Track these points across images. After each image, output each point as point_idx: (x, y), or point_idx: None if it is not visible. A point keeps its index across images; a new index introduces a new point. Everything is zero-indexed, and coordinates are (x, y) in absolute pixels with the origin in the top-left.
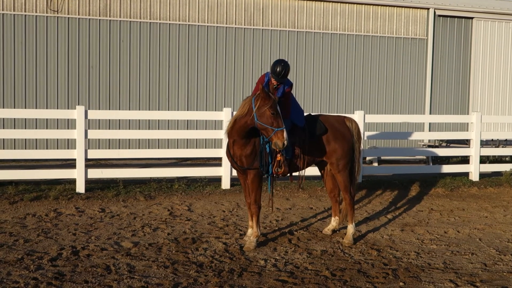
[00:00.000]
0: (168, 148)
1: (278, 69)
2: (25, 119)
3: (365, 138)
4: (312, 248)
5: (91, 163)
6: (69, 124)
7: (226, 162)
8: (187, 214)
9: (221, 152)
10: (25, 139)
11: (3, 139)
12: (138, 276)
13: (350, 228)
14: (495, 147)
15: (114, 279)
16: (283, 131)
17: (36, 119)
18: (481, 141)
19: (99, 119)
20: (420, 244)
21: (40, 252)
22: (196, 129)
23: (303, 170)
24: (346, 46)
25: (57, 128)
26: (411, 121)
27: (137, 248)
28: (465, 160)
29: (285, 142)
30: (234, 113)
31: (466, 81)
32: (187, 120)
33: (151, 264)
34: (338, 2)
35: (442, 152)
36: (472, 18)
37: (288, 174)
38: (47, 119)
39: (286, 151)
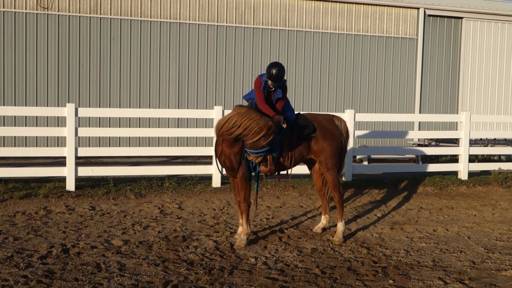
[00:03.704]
0: (158, 146)
1: (274, 72)
2: (15, 116)
3: (355, 137)
4: (302, 246)
5: (81, 161)
6: (59, 121)
7: None
8: (178, 212)
9: (212, 150)
10: (15, 137)
11: None
12: (128, 274)
13: (340, 226)
14: (484, 146)
15: (105, 277)
16: (261, 157)
17: (25, 116)
18: (470, 140)
19: (89, 117)
20: (410, 242)
21: (30, 250)
22: (187, 127)
23: (291, 169)
24: (337, 45)
25: (47, 126)
26: (401, 120)
27: (128, 246)
28: (454, 159)
29: (256, 163)
30: (225, 111)
31: (455, 81)
32: (178, 118)
33: (142, 262)
34: (329, 1)
35: (431, 151)
36: (461, 18)
37: (276, 173)
38: (37, 116)
39: (274, 150)
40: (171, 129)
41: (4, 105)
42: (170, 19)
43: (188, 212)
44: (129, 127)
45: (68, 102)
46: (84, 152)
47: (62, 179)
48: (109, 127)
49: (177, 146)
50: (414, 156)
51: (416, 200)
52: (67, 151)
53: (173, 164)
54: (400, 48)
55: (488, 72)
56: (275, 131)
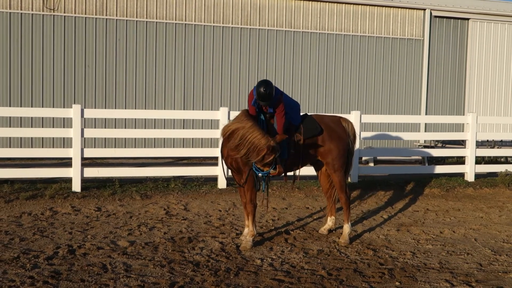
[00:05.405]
0: (164, 147)
1: (260, 91)
2: (21, 117)
3: (361, 138)
4: (308, 248)
5: (87, 162)
6: (65, 122)
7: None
8: (184, 214)
9: (218, 152)
10: (21, 138)
11: None
12: (134, 275)
13: (346, 228)
14: (491, 147)
15: (111, 278)
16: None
17: (31, 117)
18: (477, 142)
19: (95, 118)
20: (416, 244)
21: (36, 250)
22: (193, 128)
23: (298, 170)
24: (343, 46)
25: (53, 127)
26: (407, 122)
27: (134, 247)
28: (460, 160)
29: (264, 170)
30: (231, 113)
31: (462, 82)
32: (183, 120)
33: (148, 263)
34: (334, 2)
35: (437, 152)
36: (468, 19)
37: (283, 174)
38: (43, 117)
39: (282, 152)
40: (177, 130)
41: (10, 106)
42: (176, 20)
43: (194, 213)
44: (135, 128)
45: (74, 103)
46: (90, 153)
47: (68, 180)
48: (115, 128)
49: (183, 147)
50: (420, 157)
51: (423, 202)
52: (73, 152)
53: (178, 165)
54: (406, 50)
55: (495, 73)
56: (278, 150)
